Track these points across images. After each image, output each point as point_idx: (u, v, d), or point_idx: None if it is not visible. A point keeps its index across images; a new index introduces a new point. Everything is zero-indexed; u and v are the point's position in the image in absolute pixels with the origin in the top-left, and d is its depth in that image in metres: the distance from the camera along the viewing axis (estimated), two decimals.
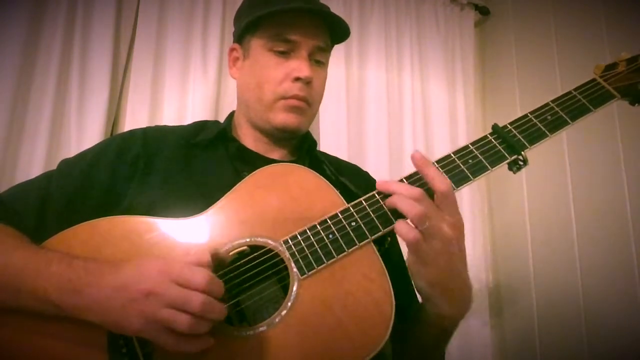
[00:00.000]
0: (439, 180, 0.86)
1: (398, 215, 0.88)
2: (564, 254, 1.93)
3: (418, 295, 0.98)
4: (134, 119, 1.92)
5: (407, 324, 1.01)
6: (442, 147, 2.30)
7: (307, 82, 1.11)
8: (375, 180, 1.30)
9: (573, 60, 2.04)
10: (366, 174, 1.33)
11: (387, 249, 0.93)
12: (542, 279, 2.05)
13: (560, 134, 1.93)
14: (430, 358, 1.04)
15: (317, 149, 1.28)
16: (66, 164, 1.11)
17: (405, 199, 0.85)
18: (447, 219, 0.86)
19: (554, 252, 2.00)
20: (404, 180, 0.93)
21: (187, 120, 1.93)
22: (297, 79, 1.10)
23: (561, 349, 1.91)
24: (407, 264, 0.89)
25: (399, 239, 0.93)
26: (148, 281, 0.76)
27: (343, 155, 2.00)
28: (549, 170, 2.06)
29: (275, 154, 1.19)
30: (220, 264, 0.83)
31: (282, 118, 1.12)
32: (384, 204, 0.90)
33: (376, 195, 0.92)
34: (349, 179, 1.15)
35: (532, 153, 2.15)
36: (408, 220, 0.85)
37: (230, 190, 0.97)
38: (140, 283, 0.77)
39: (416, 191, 0.86)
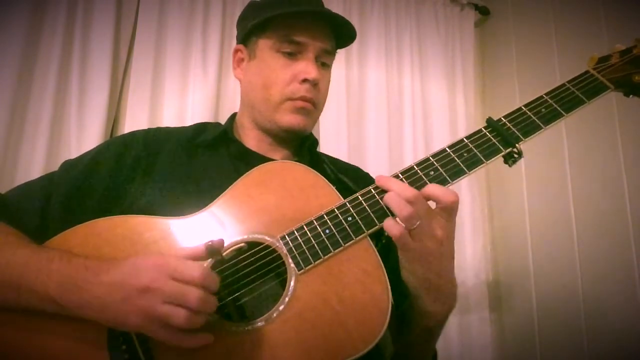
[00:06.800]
0: (445, 194, 0.87)
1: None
2: (564, 253, 1.93)
3: None
4: (134, 119, 1.93)
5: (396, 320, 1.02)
6: None
7: (315, 83, 1.12)
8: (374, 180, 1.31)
9: (573, 60, 2.04)
10: (366, 175, 1.33)
11: (386, 244, 0.93)
12: (542, 279, 2.05)
13: (560, 134, 1.97)
14: (418, 356, 1.05)
15: (317, 149, 1.28)
16: (68, 164, 1.12)
17: (398, 198, 0.86)
18: (439, 220, 0.87)
19: (554, 252, 1.99)
20: (400, 176, 0.93)
21: (187, 121, 1.95)
22: (305, 80, 1.11)
23: (561, 348, 1.91)
24: (400, 261, 0.91)
25: None
26: (145, 277, 0.77)
27: (343, 155, 2.01)
28: (549, 170, 2.05)
29: (277, 154, 1.19)
30: (217, 253, 0.83)
31: (288, 119, 1.13)
32: (380, 199, 0.90)
33: (372, 190, 0.92)
34: (348, 177, 1.16)
35: (532, 153, 2.14)
36: (398, 219, 0.86)
37: (228, 188, 0.98)
38: (137, 279, 0.77)
39: (410, 192, 0.86)
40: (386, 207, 0.89)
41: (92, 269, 0.82)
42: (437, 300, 0.93)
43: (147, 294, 0.76)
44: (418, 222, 0.84)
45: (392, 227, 0.85)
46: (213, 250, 0.82)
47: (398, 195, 0.86)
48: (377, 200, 0.90)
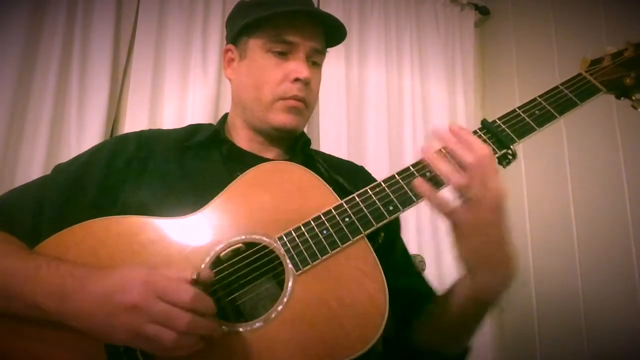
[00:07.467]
0: (479, 147, 0.85)
1: (392, 209, 0.89)
2: (564, 253, 1.93)
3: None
4: (134, 119, 1.93)
5: (436, 309, 1.01)
6: None
7: (306, 83, 1.12)
8: (369, 173, 1.30)
9: (573, 60, 2.02)
10: (361, 169, 1.33)
11: (383, 244, 0.93)
12: (542, 279, 2.05)
13: (560, 134, 1.96)
14: (465, 335, 1.01)
15: (317, 148, 1.28)
16: (61, 166, 1.12)
17: (450, 168, 0.85)
18: (491, 186, 0.83)
19: (554, 252, 1.99)
20: (396, 177, 0.93)
21: (187, 121, 1.95)
22: (296, 79, 1.11)
23: (561, 347, 1.90)
24: (451, 237, 0.87)
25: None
26: (132, 293, 0.75)
27: (343, 155, 2.00)
28: (549, 170, 2.06)
29: (269, 153, 1.19)
30: (203, 285, 0.81)
31: (280, 118, 1.13)
32: (377, 200, 0.90)
33: (368, 191, 0.92)
34: (342, 176, 1.15)
35: (532, 154, 2.13)
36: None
37: (225, 189, 0.97)
38: (124, 295, 0.76)
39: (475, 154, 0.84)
40: (383, 207, 0.89)
41: (79, 277, 0.81)
42: (496, 272, 0.88)
43: (134, 312, 0.74)
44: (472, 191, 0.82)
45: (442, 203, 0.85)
46: (198, 283, 0.80)
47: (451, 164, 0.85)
48: (374, 201, 0.90)
